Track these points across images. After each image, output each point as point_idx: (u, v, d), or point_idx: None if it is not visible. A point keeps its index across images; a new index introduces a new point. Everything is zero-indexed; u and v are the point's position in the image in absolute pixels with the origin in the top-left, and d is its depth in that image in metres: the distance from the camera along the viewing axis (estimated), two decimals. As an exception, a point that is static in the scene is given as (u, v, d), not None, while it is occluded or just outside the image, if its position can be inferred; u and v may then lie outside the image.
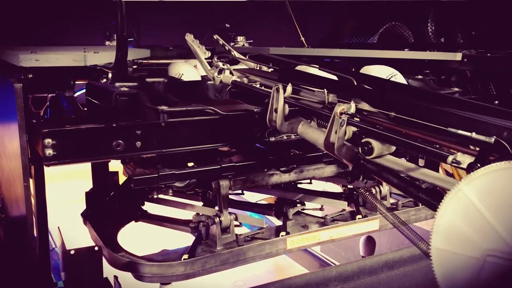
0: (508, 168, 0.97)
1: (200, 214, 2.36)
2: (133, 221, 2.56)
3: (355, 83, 1.79)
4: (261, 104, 2.09)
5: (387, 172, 1.42)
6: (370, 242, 3.11)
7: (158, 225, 2.57)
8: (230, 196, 2.41)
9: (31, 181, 2.06)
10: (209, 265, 2.12)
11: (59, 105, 2.35)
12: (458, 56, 2.85)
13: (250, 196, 3.29)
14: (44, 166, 1.85)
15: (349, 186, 2.83)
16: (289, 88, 1.83)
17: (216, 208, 2.27)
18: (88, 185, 2.62)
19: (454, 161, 1.14)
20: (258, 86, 2.16)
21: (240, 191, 2.73)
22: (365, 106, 1.55)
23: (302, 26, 3.92)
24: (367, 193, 1.59)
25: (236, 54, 2.55)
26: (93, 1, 3.26)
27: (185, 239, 2.35)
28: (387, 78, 2.42)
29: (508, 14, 3.00)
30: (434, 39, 3.42)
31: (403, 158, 2.45)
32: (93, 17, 3.37)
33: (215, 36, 2.62)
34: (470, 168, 1.08)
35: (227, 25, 3.59)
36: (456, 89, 2.84)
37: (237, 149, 2.38)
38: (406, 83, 2.55)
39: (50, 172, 2.05)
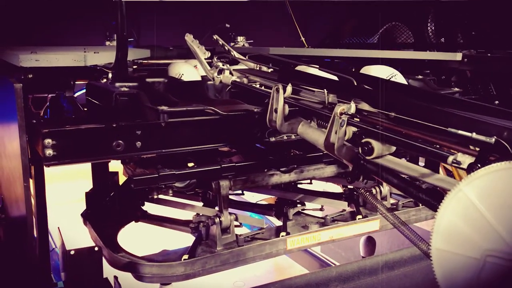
0: (509, 168, 0.96)
1: (200, 214, 2.36)
2: (133, 222, 2.56)
3: (355, 83, 1.79)
4: (261, 104, 2.09)
5: (387, 172, 1.42)
6: (370, 243, 3.10)
7: (158, 226, 2.56)
8: (230, 197, 2.41)
9: (31, 181, 2.06)
10: (209, 265, 2.12)
11: (59, 105, 2.35)
12: (458, 56, 2.85)
13: (250, 197, 3.29)
14: (44, 166, 1.85)
15: (349, 187, 2.83)
16: (289, 88, 1.83)
17: (216, 208, 2.27)
18: (88, 185, 2.62)
19: (455, 161, 1.14)
20: (258, 86, 2.16)
21: (240, 192, 2.73)
22: (365, 106, 1.55)
23: (302, 26, 3.92)
24: (367, 193, 1.59)
25: (236, 54, 2.55)
26: (93, 1, 3.26)
27: (185, 239, 2.35)
28: (387, 78, 2.42)
29: (508, 14, 3.00)
30: (434, 39, 3.42)
31: (403, 159, 2.45)
32: (93, 17, 3.37)
33: (215, 36, 2.63)
34: (471, 169, 1.08)
35: (227, 25, 3.59)
36: (456, 89, 2.84)
37: (237, 149, 2.38)
38: (406, 83, 2.54)
39: (50, 172, 2.05)
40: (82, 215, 2.51)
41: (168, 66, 2.71)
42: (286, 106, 1.83)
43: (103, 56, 2.37)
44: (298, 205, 2.56)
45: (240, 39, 3.57)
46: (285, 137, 2.19)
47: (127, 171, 2.17)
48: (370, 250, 3.11)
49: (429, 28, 3.43)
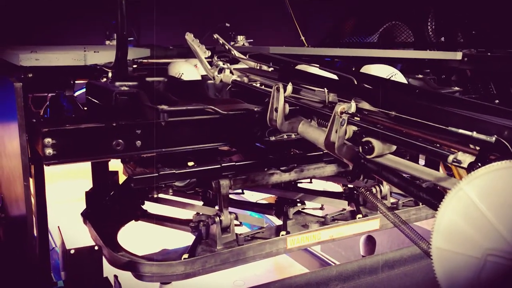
0: (509, 167, 0.96)
1: (200, 213, 2.36)
2: (133, 221, 2.56)
3: (356, 83, 1.79)
4: (261, 104, 2.08)
5: (387, 171, 1.42)
6: (370, 242, 3.11)
7: (158, 225, 2.56)
8: (230, 196, 2.41)
9: (31, 180, 2.06)
10: (209, 264, 2.12)
11: (59, 104, 2.34)
12: (458, 55, 2.85)
13: (250, 196, 3.29)
14: (44, 166, 1.85)
15: (349, 186, 2.83)
16: (290, 87, 1.83)
17: (216, 207, 2.27)
18: (88, 184, 2.62)
19: (455, 160, 1.14)
20: (258, 85, 2.15)
21: (240, 191, 2.73)
22: (365, 105, 1.55)
23: (302, 26, 3.92)
24: (368, 192, 1.59)
25: (236, 53, 2.54)
26: (93, 1, 3.25)
27: (185, 238, 2.35)
28: (387, 77, 2.42)
29: (508, 14, 2.99)
30: (434, 38, 3.42)
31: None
32: (93, 17, 3.36)
33: (215, 36, 2.62)
34: (471, 168, 1.08)
35: (227, 25, 3.59)
36: (456, 88, 2.84)
37: (237, 148, 2.37)
38: (406, 82, 2.54)
39: (51, 172, 2.05)
40: (82, 214, 2.51)
41: (168, 65, 2.71)
42: (287, 105, 1.83)
43: (103, 55, 2.37)
44: (298, 204, 2.56)
45: (240, 38, 3.57)
46: (285, 136, 2.19)
47: (127, 170, 2.17)
48: (370, 249, 3.11)
49: (429, 27, 3.43)
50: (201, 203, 2.58)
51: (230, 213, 2.21)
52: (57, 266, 2.29)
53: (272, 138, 2.16)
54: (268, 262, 4.37)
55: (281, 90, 1.81)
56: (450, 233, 1.03)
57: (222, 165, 2.17)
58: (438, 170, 2.68)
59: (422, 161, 2.78)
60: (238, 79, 2.26)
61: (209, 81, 2.49)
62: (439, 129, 1.23)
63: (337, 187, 3.14)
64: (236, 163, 2.21)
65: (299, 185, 2.82)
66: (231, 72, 2.31)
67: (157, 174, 2.03)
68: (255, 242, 2.23)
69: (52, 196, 2.36)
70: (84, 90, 2.38)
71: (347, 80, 1.81)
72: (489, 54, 2.89)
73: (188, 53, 2.80)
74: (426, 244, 1.26)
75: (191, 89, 2.53)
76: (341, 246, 4.53)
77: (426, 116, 1.32)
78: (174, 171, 2.06)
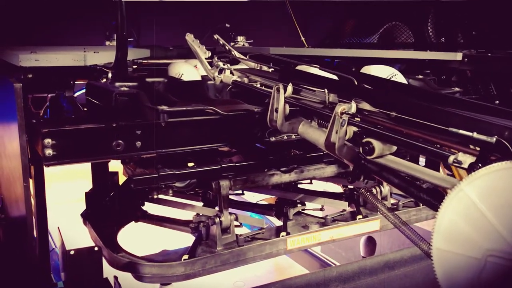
0: (509, 168, 0.96)
1: (200, 214, 2.36)
2: (133, 222, 2.56)
3: (356, 83, 1.79)
4: (261, 104, 2.08)
5: (388, 172, 1.41)
6: (370, 243, 3.10)
7: (158, 226, 2.56)
8: (230, 197, 2.40)
9: (31, 181, 2.06)
10: (209, 265, 2.11)
11: (59, 105, 2.34)
12: (458, 56, 2.85)
13: (251, 196, 3.29)
14: (44, 166, 1.85)
15: (349, 186, 2.82)
16: (290, 88, 1.83)
17: (216, 208, 2.27)
18: (88, 185, 2.61)
19: (455, 161, 1.14)
20: (258, 86, 2.15)
21: (240, 191, 2.73)
22: (366, 106, 1.54)
23: (302, 26, 3.91)
24: (368, 193, 1.59)
25: (236, 54, 2.54)
26: (93, 1, 3.25)
27: (185, 239, 2.35)
28: (388, 78, 2.42)
29: (508, 14, 2.99)
30: (434, 39, 3.42)
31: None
32: (93, 17, 3.36)
33: (215, 36, 2.62)
34: (471, 168, 1.07)
35: (227, 25, 3.58)
36: (456, 89, 2.84)
37: (237, 149, 2.37)
38: (407, 83, 2.54)
39: (50, 172, 2.05)
40: (82, 215, 2.51)
41: (168, 66, 2.71)
42: (287, 105, 1.83)
43: (103, 56, 2.37)
44: (299, 205, 2.56)
45: (240, 39, 3.57)
46: (285, 137, 2.18)
47: (127, 171, 2.16)
48: (370, 250, 3.10)
49: (429, 28, 3.43)
50: (201, 204, 2.57)
51: (230, 214, 2.21)
52: (57, 267, 2.29)
53: (272, 139, 2.16)
54: (268, 263, 4.36)
55: (282, 90, 1.81)
56: (450, 234, 1.03)
57: (222, 165, 2.17)
58: (438, 170, 2.68)
59: (422, 162, 2.78)
60: (238, 79, 2.25)
61: (209, 82, 2.49)
62: (439, 129, 1.23)
63: (337, 188, 3.14)
64: (236, 164, 2.21)
65: (299, 186, 2.81)
66: (231, 72, 2.31)
67: (157, 175, 2.03)
68: (255, 243, 2.23)
69: (52, 197, 2.36)
70: (84, 90, 2.38)
71: (347, 80, 1.81)
72: (489, 54, 2.89)
73: (188, 54, 2.80)
74: (426, 245, 1.26)
75: (191, 90, 2.52)
76: (341, 247, 4.53)
77: (426, 116, 1.32)
78: (174, 171, 2.06)
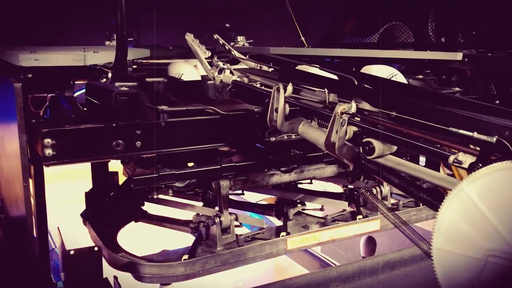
0: (510, 168, 0.96)
1: (200, 214, 2.36)
2: (133, 222, 2.56)
3: (356, 83, 1.79)
4: (261, 104, 2.08)
5: (388, 172, 1.41)
6: (370, 243, 3.10)
7: (158, 226, 2.56)
8: (230, 196, 2.40)
9: (30, 181, 2.05)
10: (209, 265, 2.11)
11: (58, 105, 2.34)
12: (458, 56, 2.85)
13: (251, 196, 3.29)
14: (44, 166, 1.85)
15: (349, 186, 2.82)
16: (290, 87, 1.83)
17: (216, 208, 2.27)
18: (88, 185, 2.61)
19: (456, 161, 1.14)
20: (258, 85, 2.15)
21: (240, 191, 2.72)
22: (366, 105, 1.54)
23: (302, 26, 3.91)
24: (368, 193, 1.59)
25: (236, 53, 2.54)
26: (93, 1, 3.25)
27: (185, 239, 2.35)
28: (388, 77, 2.42)
29: (509, 14, 2.99)
30: (434, 38, 3.42)
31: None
32: (93, 17, 3.36)
33: (215, 36, 2.62)
34: (472, 168, 1.07)
35: (227, 25, 3.58)
36: (457, 88, 2.84)
37: (237, 149, 2.37)
38: (407, 83, 2.54)
39: (50, 172, 2.05)
40: (81, 215, 2.51)
41: (168, 65, 2.71)
42: (287, 105, 1.82)
43: (103, 56, 2.36)
44: (299, 205, 2.56)
45: (240, 38, 3.57)
46: (285, 137, 2.18)
47: (127, 171, 2.16)
48: (370, 250, 3.10)
49: (429, 27, 3.43)
50: (201, 204, 2.57)
51: (230, 214, 2.21)
52: (57, 267, 2.29)
53: (272, 139, 2.16)
54: (268, 263, 4.36)
55: (281, 90, 1.80)
56: (450, 234, 1.03)
57: (222, 165, 2.17)
58: (438, 170, 2.68)
59: (422, 162, 2.78)
60: (238, 79, 2.25)
61: (209, 82, 2.49)
62: (439, 129, 1.23)
63: (337, 188, 3.14)
64: (236, 164, 2.21)
65: (299, 185, 2.81)
66: (231, 72, 2.30)
67: (157, 175, 2.03)
68: (255, 243, 2.23)
69: (51, 197, 2.36)
70: (83, 90, 2.37)
71: (347, 80, 1.81)
72: (489, 54, 2.89)
73: (188, 54, 2.80)
74: (426, 245, 1.25)
75: (191, 90, 2.52)
76: (341, 247, 4.53)
77: (426, 116, 1.32)
78: (174, 171, 2.06)
